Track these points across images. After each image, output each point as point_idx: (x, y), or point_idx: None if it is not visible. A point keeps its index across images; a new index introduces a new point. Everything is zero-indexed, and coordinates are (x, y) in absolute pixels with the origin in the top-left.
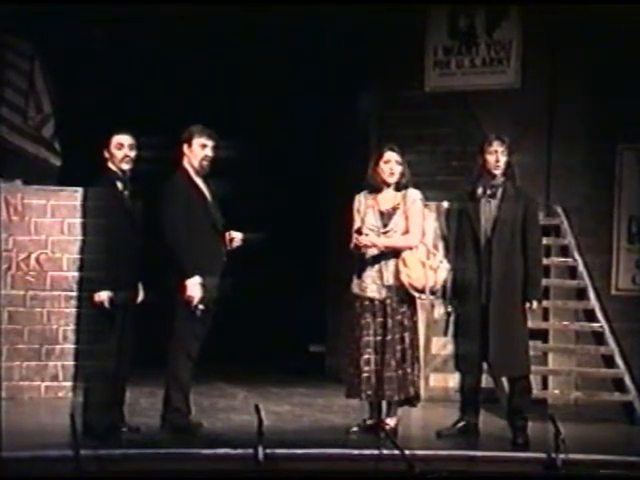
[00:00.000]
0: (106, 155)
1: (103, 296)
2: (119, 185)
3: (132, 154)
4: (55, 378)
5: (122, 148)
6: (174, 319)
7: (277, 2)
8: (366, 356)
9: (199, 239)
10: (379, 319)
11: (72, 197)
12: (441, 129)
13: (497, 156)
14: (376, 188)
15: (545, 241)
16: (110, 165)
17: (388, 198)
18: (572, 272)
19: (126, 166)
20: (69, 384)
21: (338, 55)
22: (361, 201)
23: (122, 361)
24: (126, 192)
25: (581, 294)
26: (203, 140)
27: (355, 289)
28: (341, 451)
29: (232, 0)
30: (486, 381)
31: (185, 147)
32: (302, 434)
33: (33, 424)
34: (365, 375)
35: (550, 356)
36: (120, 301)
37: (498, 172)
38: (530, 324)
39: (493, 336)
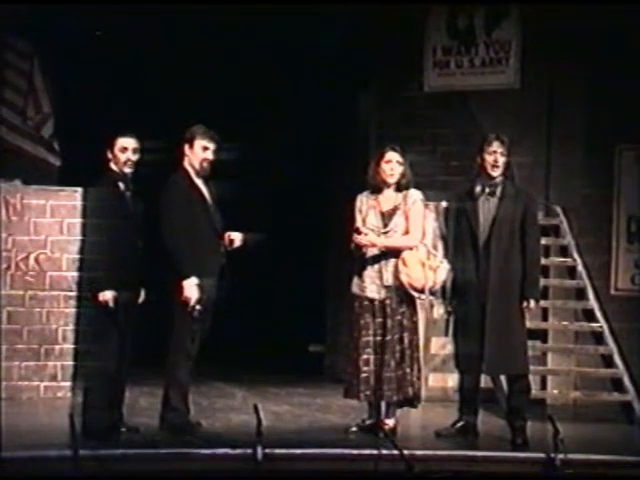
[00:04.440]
0: (109, 156)
1: (107, 296)
2: (121, 185)
3: (135, 158)
4: (54, 378)
5: (126, 151)
6: (173, 319)
7: (277, 2)
8: (365, 356)
9: (197, 240)
10: (378, 319)
11: (71, 197)
12: (441, 129)
13: (496, 156)
14: (377, 188)
15: (544, 241)
16: (112, 166)
17: (389, 199)
18: (571, 272)
19: (128, 170)
20: (68, 384)
21: (338, 55)
22: (363, 201)
23: (122, 361)
24: (128, 192)
25: (580, 294)
26: (205, 142)
27: (355, 289)
28: (340, 451)
29: (233, 0)
30: (485, 381)
31: (186, 148)
32: (301, 434)
33: (32, 424)
34: (364, 375)
35: (549, 356)
36: (123, 301)
37: (496, 173)
38: (529, 324)
39: (489, 334)
